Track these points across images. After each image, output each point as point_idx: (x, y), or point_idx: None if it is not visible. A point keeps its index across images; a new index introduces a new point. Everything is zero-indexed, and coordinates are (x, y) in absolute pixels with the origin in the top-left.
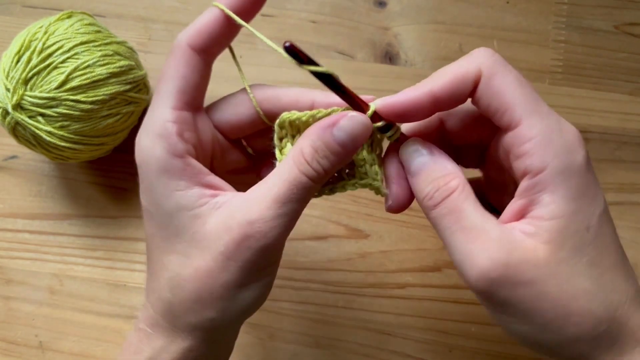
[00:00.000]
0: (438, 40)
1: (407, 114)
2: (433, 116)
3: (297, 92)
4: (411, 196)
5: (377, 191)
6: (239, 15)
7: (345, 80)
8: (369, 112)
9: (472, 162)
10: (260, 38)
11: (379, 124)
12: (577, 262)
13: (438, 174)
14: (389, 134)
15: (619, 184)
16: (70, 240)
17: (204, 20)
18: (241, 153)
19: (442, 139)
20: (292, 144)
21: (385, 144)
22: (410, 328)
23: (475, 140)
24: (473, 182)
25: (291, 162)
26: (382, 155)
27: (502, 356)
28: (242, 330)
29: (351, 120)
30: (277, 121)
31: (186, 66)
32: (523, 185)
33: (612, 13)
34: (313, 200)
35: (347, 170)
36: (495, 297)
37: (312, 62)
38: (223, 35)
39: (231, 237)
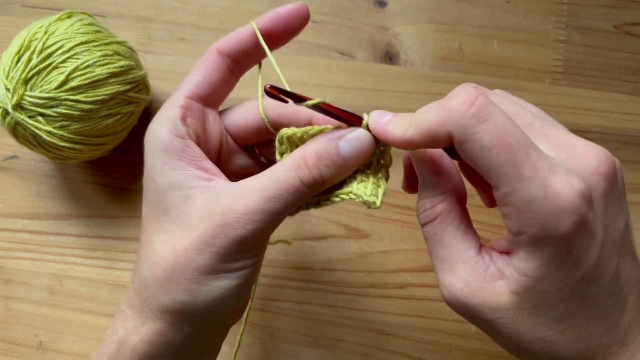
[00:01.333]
0: (438, 40)
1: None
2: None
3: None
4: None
5: (362, 200)
6: (273, 37)
7: (346, 80)
8: (363, 124)
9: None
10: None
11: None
12: (541, 315)
13: (427, 195)
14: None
15: None
16: (70, 240)
17: (237, 32)
18: (252, 159)
19: None
20: None
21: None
22: (410, 328)
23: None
24: None
25: (289, 164)
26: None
27: (502, 356)
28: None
29: (358, 135)
30: (277, 137)
31: (208, 65)
32: (507, 235)
33: (612, 13)
34: None
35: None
36: (463, 316)
37: (300, 98)
38: (251, 49)
39: (211, 222)
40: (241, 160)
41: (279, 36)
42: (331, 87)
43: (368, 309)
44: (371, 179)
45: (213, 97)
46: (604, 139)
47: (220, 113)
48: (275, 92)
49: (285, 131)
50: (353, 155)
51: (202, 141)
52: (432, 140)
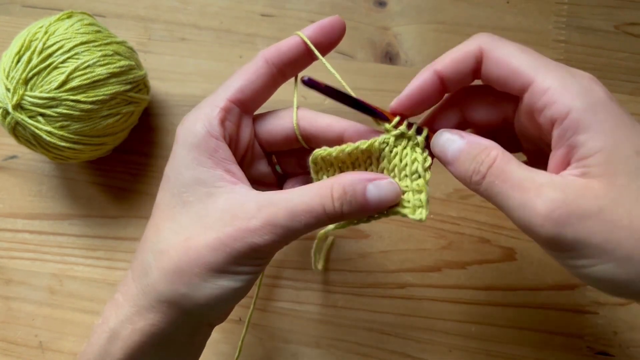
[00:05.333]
0: (438, 40)
1: (419, 101)
2: (455, 111)
3: (332, 119)
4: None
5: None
6: (316, 46)
7: (346, 80)
8: (394, 120)
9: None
10: (333, 73)
11: (414, 128)
12: (638, 186)
13: (477, 150)
14: (424, 134)
15: None
16: (70, 240)
17: (285, 42)
18: (270, 168)
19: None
20: (327, 177)
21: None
22: (410, 328)
23: (500, 122)
24: None
25: (317, 190)
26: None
27: (502, 356)
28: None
29: (388, 184)
30: (310, 158)
31: (254, 72)
32: (555, 134)
33: (612, 13)
34: None
35: None
36: (566, 239)
37: (330, 88)
38: (298, 59)
39: (233, 224)
40: (261, 166)
41: (321, 46)
42: None
43: (368, 309)
44: (413, 185)
45: (252, 104)
46: None
47: (254, 117)
48: (314, 82)
49: (318, 152)
50: (377, 200)
51: (232, 144)
52: (460, 61)
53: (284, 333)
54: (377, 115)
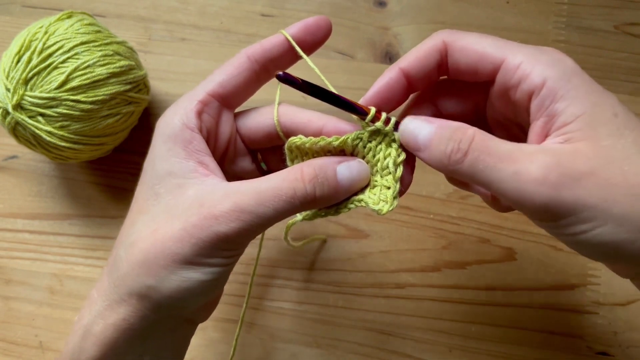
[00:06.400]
0: None
1: (385, 99)
2: (427, 105)
3: (312, 114)
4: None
5: (370, 209)
6: (300, 46)
7: (346, 80)
8: (370, 114)
9: None
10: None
11: (392, 123)
12: (623, 144)
13: (450, 131)
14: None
15: None
16: (70, 240)
17: (269, 40)
18: (254, 165)
19: None
20: None
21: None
22: (410, 328)
23: (472, 112)
24: None
25: (287, 174)
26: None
27: (502, 356)
28: (242, 329)
29: (358, 164)
30: (286, 145)
31: (236, 68)
32: (533, 106)
33: (612, 13)
34: None
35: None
36: (564, 202)
37: (306, 83)
38: (282, 57)
39: (199, 212)
40: (244, 163)
41: (306, 45)
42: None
43: (368, 309)
44: (383, 181)
45: (233, 99)
46: None
47: (236, 114)
48: (290, 77)
49: (293, 140)
50: (348, 181)
51: (211, 138)
52: (424, 57)
53: (283, 333)
54: (355, 109)
